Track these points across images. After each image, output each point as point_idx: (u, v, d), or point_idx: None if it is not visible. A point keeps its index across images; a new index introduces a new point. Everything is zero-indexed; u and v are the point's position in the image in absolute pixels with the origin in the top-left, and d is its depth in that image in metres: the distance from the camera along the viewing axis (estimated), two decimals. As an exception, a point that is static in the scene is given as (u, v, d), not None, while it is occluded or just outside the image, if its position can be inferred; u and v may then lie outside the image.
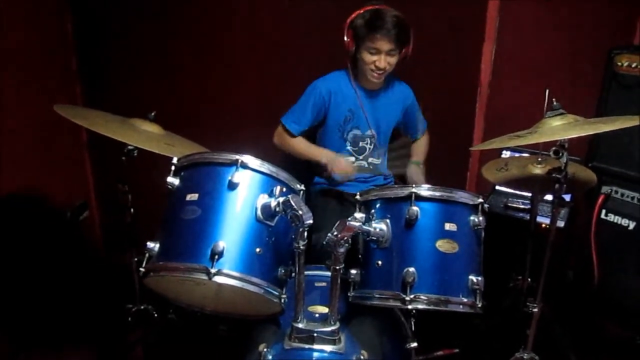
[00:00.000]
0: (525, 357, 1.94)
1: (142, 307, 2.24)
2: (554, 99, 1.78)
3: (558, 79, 2.47)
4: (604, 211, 2.37)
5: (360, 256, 1.71)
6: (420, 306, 1.57)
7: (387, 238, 1.63)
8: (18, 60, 2.62)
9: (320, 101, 2.35)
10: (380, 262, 1.64)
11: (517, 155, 2.49)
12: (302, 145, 2.40)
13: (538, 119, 1.79)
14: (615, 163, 2.33)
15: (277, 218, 1.55)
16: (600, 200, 2.35)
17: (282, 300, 1.57)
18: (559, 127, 1.70)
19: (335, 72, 2.39)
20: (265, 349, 1.55)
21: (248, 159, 1.56)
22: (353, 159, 2.42)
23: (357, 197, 1.76)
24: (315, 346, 1.54)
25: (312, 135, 2.48)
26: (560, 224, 2.31)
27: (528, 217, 2.26)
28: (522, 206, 2.44)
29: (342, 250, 1.48)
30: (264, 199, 1.54)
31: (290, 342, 1.55)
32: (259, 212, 1.52)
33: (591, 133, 1.65)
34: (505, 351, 1.99)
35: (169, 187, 1.60)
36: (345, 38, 2.23)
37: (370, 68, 2.22)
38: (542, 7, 2.55)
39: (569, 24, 2.54)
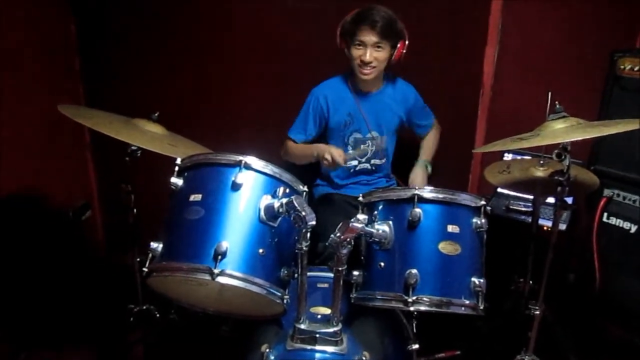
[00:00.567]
0: (526, 359, 1.94)
1: (144, 307, 2.25)
2: (556, 102, 1.78)
3: (560, 82, 2.48)
4: (605, 214, 2.36)
5: (362, 258, 1.71)
6: (422, 308, 1.58)
7: (390, 240, 1.63)
8: (21, 60, 2.64)
9: (319, 108, 2.38)
10: (382, 264, 1.64)
11: (519, 157, 2.49)
12: (300, 147, 2.42)
13: (540, 122, 1.79)
14: (617, 166, 2.32)
15: (280, 219, 1.55)
16: (602, 203, 2.35)
17: (285, 301, 1.57)
18: (562, 130, 1.70)
19: (333, 77, 2.40)
20: (267, 350, 1.56)
21: (251, 160, 1.56)
22: (355, 161, 2.42)
23: (360, 198, 1.76)
24: (318, 347, 1.54)
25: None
26: (562, 226, 2.31)
27: (530, 220, 2.25)
28: (524, 209, 2.44)
29: (344, 251, 1.48)
30: (267, 200, 1.54)
31: (293, 343, 1.56)
32: (262, 213, 1.53)
33: (593, 136, 1.65)
34: (507, 353, 1.99)
35: (173, 187, 1.61)
36: (338, 37, 2.26)
37: (358, 63, 2.23)
38: (544, 10, 2.56)
39: (571, 27, 2.55)
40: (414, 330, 1.83)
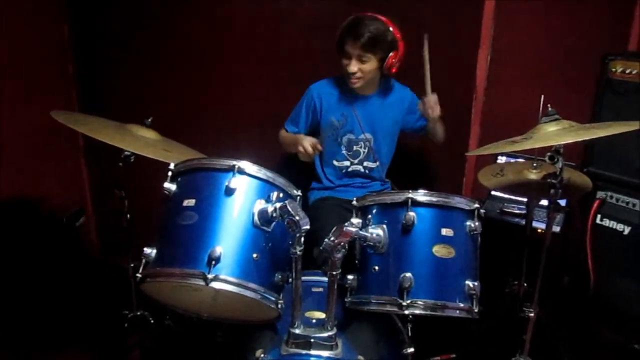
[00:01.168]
0: (521, 362, 1.95)
1: (138, 313, 2.24)
2: (549, 105, 1.79)
3: (553, 85, 2.48)
4: (599, 216, 2.37)
5: (357, 262, 1.71)
6: (417, 311, 1.58)
7: (384, 243, 1.63)
8: (14, 65, 2.63)
9: (312, 105, 2.40)
10: (377, 268, 1.64)
11: (512, 160, 2.50)
12: (287, 136, 2.47)
13: (533, 125, 1.80)
14: (610, 168, 2.34)
15: (274, 224, 1.55)
16: (595, 205, 2.36)
17: (279, 306, 1.57)
18: (554, 133, 1.71)
19: (332, 77, 2.41)
20: (262, 355, 1.56)
21: (245, 164, 1.56)
22: (347, 162, 2.43)
23: (354, 202, 1.76)
24: (312, 352, 1.54)
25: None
26: (556, 229, 2.31)
27: (524, 222, 2.26)
28: (517, 211, 2.44)
29: (339, 255, 1.49)
30: (261, 204, 1.54)
31: (287, 348, 1.56)
32: (256, 218, 1.53)
33: (586, 138, 1.66)
34: (501, 356, 1.99)
35: (166, 192, 1.60)
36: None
37: (345, 73, 2.26)
38: (536, 13, 2.57)
39: (564, 31, 2.56)
40: (409, 334, 1.83)
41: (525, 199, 2.32)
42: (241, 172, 1.55)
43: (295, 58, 2.78)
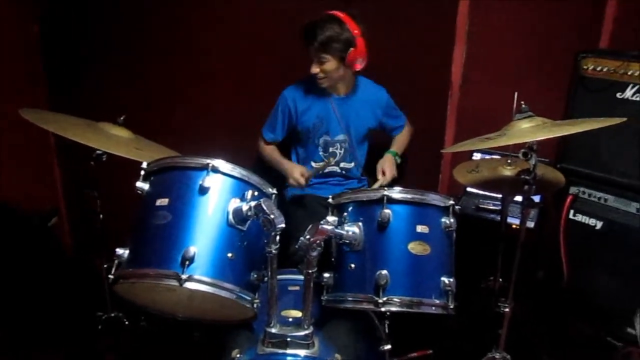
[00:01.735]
0: (497, 356, 1.96)
1: (112, 315, 2.20)
2: (522, 102, 1.81)
3: (527, 82, 2.52)
4: (572, 211, 2.41)
5: (333, 259, 1.71)
6: (393, 308, 1.58)
7: (360, 241, 1.63)
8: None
9: (287, 109, 2.41)
10: (353, 265, 1.64)
11: (487, 157, 2.52)
12: (274, 155, 2.49)
13: (508, 122, 1.82)
14: (582, 164, 2.37)
15: (249, 222, 1.53)
16: (568, 200, 2.40)
17: (255, 305, 1.56)
18: (527, 130, 1.72)
19: (305, 78, 2.39)
20: (238, 355, 1.54)
21: (219, 163, 1.54)
22: (323, 163, 2.43)
23: (330, 200, 1.76)
24: (289, 351, 1.53)
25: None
26: (530, 224, 2.34)
27: (499, 218, 2.28)
28: (493, 207, 2.47)
29: (314, 254, 1.48)
30: (235, 203, 1.52)
31: (264, 347, 1.55)
32: (230, 217, 1.51)
33: (558, 135, 1.68)
34: (478, 351, 2.01)
35: (139, 192, 1.58)
36: None
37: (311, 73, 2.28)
38: (510, 11, 2.59)
39: (537, 29, 2.59)
40: (386, 331, 1.83)
41: (500, 195, 2.34)
42: (215, 170, 1.53)
43: (272, 56, 2.76)
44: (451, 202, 1.69)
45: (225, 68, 2.83)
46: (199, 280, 1.43)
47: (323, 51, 2.21)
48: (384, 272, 1.57)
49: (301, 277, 1.57)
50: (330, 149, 2.44)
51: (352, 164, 2.50)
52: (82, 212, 2.11)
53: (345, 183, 2.53)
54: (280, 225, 1.41)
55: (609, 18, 2.53)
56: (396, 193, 1.64)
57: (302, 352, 1.54)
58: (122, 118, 1.98)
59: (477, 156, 2.60)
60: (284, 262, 1.66)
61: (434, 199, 1.68)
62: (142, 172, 1.61)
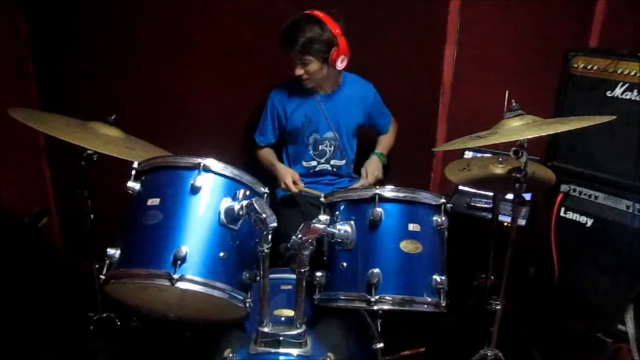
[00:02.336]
0: (489, 354, 1.97)
1: (104, 315, 2.18)
2: (513, 100, 1.81)
3: (517, 81, 2.53)
4: (563, 209, 2.42)
5: (325, 258, 1.71)
6: (385, 307, 1.58)
7: (352, 240, 1.63)
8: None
9: (275, 111, 2.42)
10: (345, 264, 1.64)
11: (479, 155, 2.53)
12: (268, 158, 2.49)
13: (499, 120, 1.82)
14: (573, 162, 2.39)
15: (240, 222, 1.53)
16: (559, 198, 2.41)
17: (247, 305, 1.56)
18: (518, 128, 1.73)
19: (292, 79, 2.37)
20: (230, 355, 1.54)
21: (210, 162, 1.54)
22: (314, 162, 2.43)
23: (322, 199, 1.76)
24: (281, 350, 1.53)
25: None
26: (521, 222, 2.36)
27: (490, 216, 2.29)
28: (484, 205, 2.48)
29: (306, 252, 1.48)
30: (227, 202, 1.52)
31: (256, 347, 1.54)
32: (222, 216, 1.51)
33: (549, 133, 1.69)
34: (470, 349, 2.01)
35: (130, 191, 1.57)
36: None
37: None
38: (501, 10, 2.60)
39: (527, 27, 2.60)
40: (378, 329, 1.84)
41: (491, 193, 2.35)
42: (207, 170, 1.53)
43: (262, 54, 2.74)
44: (443, 200, 1.70)
45: (217, 67, 2.82)
46: (191, 280, 1.43)
47: (305, 53, 2.19)
48: (376, 270, 1.57)
49: (293, 276, 1.57)
50: (320, 147, 2.44)
51: (343, 161, 2.50)
52: (73, 212, 2.09)
53: (336, 182, 2.53)
54: (272, 225, 1.41)
55: (599, 17, 2.55)
56: (388, 192, 1.64)
57: (295, 351, 1.53)
58: (112, 117, 1.97)
59: (468, 154, 2.61)
60: (274, 261, 1.66)
61: (426, 197, 1.68)
62: (133, 172, 1.60)
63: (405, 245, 1.60)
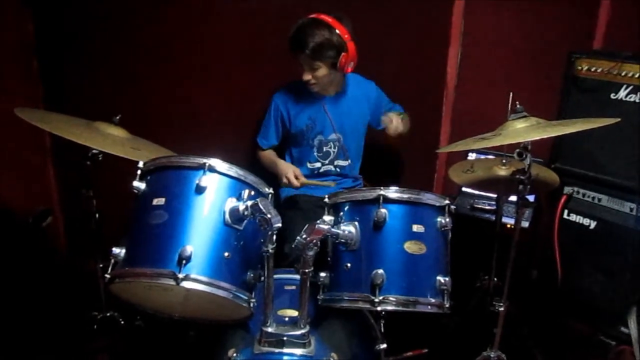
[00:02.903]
0: (492, 355, 1.97)
1: (108, 314, 2.20)
2: (517, 102, 1.82)
3: (521, 83, 2.53)
4: (566, 211, 2.42)
5: (329, 259, 1.71)
6: (389, 307, 1.58)
7: (356, 240, 1.64)
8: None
9: (279, 114, 2.43)
10: (349, 265, 1.64)
11: (482, 157, 2.54)
12: (270, 158, 2.49)
13: (503, 122, 1.83)
14: (576, 164, 2.39)
15: (245, 222, 1.53)
16: (562, 200, 2.41)
17: (251, 305, 1.56)
18: (522, 130, 1.73)
19: (295, 81, 2.38)
20: (234, 354, 1.54)
21: (216, 162, 1.54)
22: (319, 163, 2.43)
23: (326, 200, 1.76)
24: (285, 350, 1.53)
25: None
26: (525, 224, 2.36)
27: (494, 218, 2.30)
28: (487, 207, 2.48)
29: (311, 253, 1.48)
30: (232, 202, 1.52)
31: (260, 347, 1.54)
32: (227, 216, 1.51)
33: (553, 135, 1.69)
34: (473, 350, 2.02)
35: (135, 191, 1.57)
36: None
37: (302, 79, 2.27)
38: (505, 12, 2.61)
39: (531, 29, 2.61)
40: (382, 330, 1.84)
41: (495, 195, 2.36)
42: (212, 170, 1.53)
43: (267, 54, 2.75)
44: (446, 201, 1.70)
45: (222, 67, 2.83)
46: (196, 279, 1.43)
47: (315, 59, 2.18)
48: (380, 271, 1.57)
49: (297, 276, 1.57)
50: (325, 149, 2.45)
51: (347, 162, 2.50)
52: (78, 212, 2.09)
53: (340, 182, 2.54)
54: (277, 225, 1.42)
55: (603, 19, 2.55)
56: (392, 193, 1.64)
57: (298, 352, 1.54)
58: (118, 117, 1.98)
59: (472, 156, 2.61)
60: (279, 261, 1.66)
61: (430, 198, 1.68)
62: (139, 172, 1.60)
63: (409, 246, 1.61)
